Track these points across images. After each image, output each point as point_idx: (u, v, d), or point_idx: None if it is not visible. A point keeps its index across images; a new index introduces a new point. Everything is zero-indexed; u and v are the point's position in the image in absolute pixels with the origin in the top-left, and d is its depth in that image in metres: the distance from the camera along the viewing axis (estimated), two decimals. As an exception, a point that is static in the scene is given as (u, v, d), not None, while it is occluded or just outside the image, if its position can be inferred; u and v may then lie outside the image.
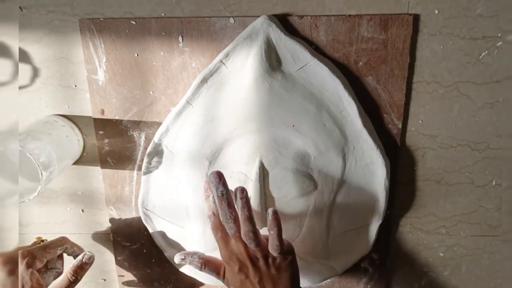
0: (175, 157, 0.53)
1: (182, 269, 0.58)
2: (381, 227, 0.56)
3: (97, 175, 0.57)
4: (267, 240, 0.48)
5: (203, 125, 0.51)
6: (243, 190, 0.47)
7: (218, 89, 0.50)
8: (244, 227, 0.47)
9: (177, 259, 0.53)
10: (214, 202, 0.50)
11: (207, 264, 0.52)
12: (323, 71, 0.49)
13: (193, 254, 0.53)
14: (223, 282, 0.52)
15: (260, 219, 0.52)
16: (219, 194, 0.47)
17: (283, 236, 0.48)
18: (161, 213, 0.56)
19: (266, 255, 0.48)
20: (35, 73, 0.53)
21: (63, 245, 0.54)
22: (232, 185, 0.52)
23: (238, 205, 0.47)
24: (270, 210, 0.47)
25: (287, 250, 0.49)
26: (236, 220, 0.47)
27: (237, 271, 0.48)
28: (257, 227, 0.50)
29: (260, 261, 0.48)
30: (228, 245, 0.49)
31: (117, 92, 0.53)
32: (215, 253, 0.55)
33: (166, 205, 0.56)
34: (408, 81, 0.52)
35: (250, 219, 0.47)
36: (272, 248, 0.47)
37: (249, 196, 0.50)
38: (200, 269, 0.52)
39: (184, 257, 0.52)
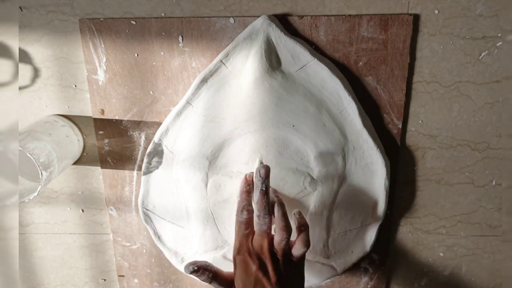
0: (175, 157, 0.53)
1: (182, 269, 0.58)
2: (381, 227, 0.56)
3: (97, 175, 0.57)
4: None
5: (203, 125, 0.51)
6: (276, 191, 0.51)
7: (218, 89, 0.50)
8: (281, 223, 0.47)
9: (188, 269, 0.49)
10: (250, 197, 0.50)
11: (216, 277, 0.50)
12: (323, 71, 0.49)
13: (205, 267, 0.50)
14: None
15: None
16: (263, 188, 0.47)
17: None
18: (161, 213, 0.56)
19: (287, 255, 0.48)
20: (35, 73, 0.53)
21: None
22: (232, 185, 0.52)
23: (276, 205, 0.48)
24: (296, 211, 0.51)
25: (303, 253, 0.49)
26: (270, 216, 0.48)
27: (255, 269, 0.47)
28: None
29: (280, 262, 0.47)
30: (250, 241, 0.48)
31: (117, 92, 0.53)
32: (214, 253, 0.55)
33: (166, 205, 0.56)
34: (408, 81, 0.52)
35: (286, 215, 0.48)
36: (302, 244, 0.47)
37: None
38: (210, 283, 0.50)
39: (197, 269, 0.49)
